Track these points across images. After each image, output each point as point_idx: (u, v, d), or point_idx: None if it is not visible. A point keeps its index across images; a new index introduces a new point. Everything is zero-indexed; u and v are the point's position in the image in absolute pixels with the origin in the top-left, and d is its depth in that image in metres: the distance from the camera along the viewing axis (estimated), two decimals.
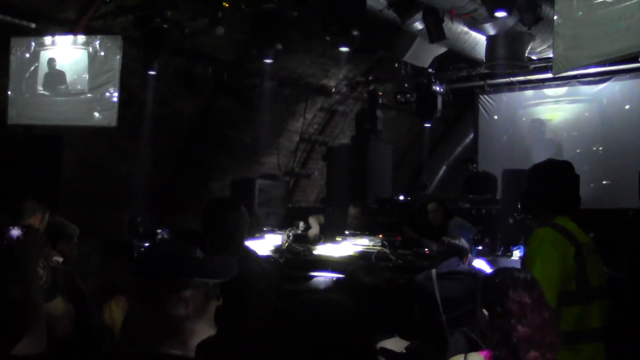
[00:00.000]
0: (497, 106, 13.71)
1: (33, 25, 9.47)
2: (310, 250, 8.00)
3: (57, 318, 3.75)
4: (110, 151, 11.24)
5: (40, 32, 9.65)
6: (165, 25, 9.56)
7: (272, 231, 9.02)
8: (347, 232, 8.44)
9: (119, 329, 3.82)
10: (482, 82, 13.42)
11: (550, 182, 3.95)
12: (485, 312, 2.89)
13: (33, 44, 9.66)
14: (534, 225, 3.93)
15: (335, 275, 6.94)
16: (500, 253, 7.67)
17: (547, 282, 3.46)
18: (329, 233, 8.49)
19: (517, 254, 7.04)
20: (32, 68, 9.65)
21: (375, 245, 7.87)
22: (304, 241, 8.42)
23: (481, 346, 3.00)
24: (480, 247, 7.65)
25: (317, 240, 8.35)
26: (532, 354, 2.74)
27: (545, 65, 10.95)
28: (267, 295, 3.78)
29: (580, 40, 5.51)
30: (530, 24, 8.88)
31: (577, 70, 11.44)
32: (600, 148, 12.25)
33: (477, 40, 10.54)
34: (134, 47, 10.01)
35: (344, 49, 9.65)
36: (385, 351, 2.57)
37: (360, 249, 7.89)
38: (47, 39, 9.71)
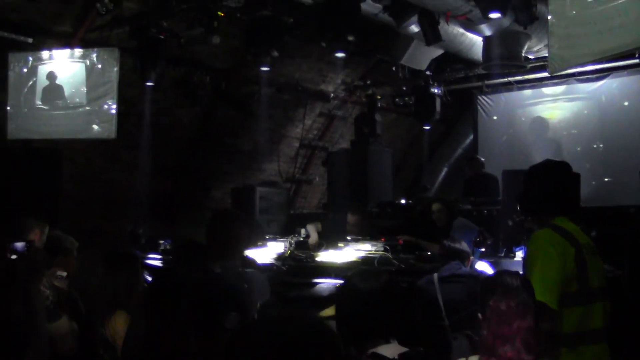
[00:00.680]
0: (496, 106, 13.70)
1: (30, 40, 9.50)
2: (312, 257, 7.98)
3: (62, 337, 3.74)
4: (110, 162, 11.26)
5: (37, 47, 9.69)
6: (161, 36, 9.59)
7: (274, 239, 9.00)
8: (349, 238, 8.43)
9: (120, 345, 3.81)
10: (479, 83, 13.43)
11: (547, 183, 3.95)
12: (479, 315, 2.92)
13: (30, 58, 9.70)
14: (534, 227, 3.93)
15: (339, 282, 6.92)
16: (502, 254, 7.66)
17: (547, 284, 3.49)
18: (331, 239, 8.47)
19: (519, 254, 7.02)
20: (30, 83, 9.69)
21: (377, 250, 7.85)
22: (306, 248, 8.40)
23: None
24: (482, 249, 7.64)
25: (319, 247, 8.33)
26: None
27: (542, 64, 10.91)
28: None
29: (574, 39, 5.49)
30: (525, 23, 8.88)
31: (575, 68, 11.45)
32: (601, 145, 12.23)
33: (474, 42, 10.54)
34: (131, 58, 10.03)
35: (339, 55, 9.64)
36: (377, 356, 2.56)
37: (362, 254, 7.87)
38: (45, 54, 9.75)
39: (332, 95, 13.77)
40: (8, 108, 9.65)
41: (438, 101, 12.43)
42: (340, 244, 8.21)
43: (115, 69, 9.60)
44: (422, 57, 11.20)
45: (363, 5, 8.60)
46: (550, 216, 3.84)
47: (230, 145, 12.69)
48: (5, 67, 9.60)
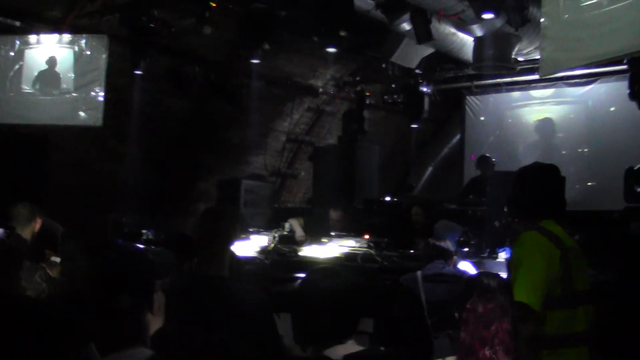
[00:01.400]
0: (484, 107, 13.74)
1: (18, 24, 9.40)
2: (296, 252, 7.97)
3: None
4: (98, 151, 11.17)
5: (25, 31, 9.58)
6: (152, 25, 9.52)
7: (257, 232, 8.99)
8: (333, 234, 8.43)
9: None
10: (469, 83, 13.43)
11: (536, 186, 3.95)
12: (456, 316, 2.92)
13: (18, 42, 9.58)
14: (520, 229, 3.93)
15: None
16: (486, 255, 7.69)
17: (532, 286, 3.49)
18: (314, 234, 8.47)
19: (502, 255, 7.05)
20: (17, 66, 9.57)
21: (361, 247, 7.87)
22: (290, 242, 8.39)
23: None
24: (466, 249, 7.66)
25: (303, 242, 8.32)
26: None
27: (532, 66, 10.96)
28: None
29: (567, 43, 5.50)
30: (517, 25, 8.88)
31: (564, 72, 11.48)
32: (586, 150, 12.30)
33: (465, 42, 10.54)
34: (121, 46, 9.95)
35: (331, 50, 9.62)
36: (322, 357, 2.53)
37: (346, 250, 7.88)
38: (32, 38, 9.64)
39: (321, 90, 13.74)
40: None
41: (427, 100, 12.42)
42: (324, 240, 8.21)
43: (104, 56, 9.52)
44: (413, 55, 11.19)
45: (356, 1, 8.58)
46: (537, 219, 3.83)
47: (219, 138, 12.63)
48: None
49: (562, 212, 3.97)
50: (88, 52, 9.55)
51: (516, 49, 10.38)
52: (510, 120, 13.47)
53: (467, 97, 13.81)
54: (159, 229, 9.45)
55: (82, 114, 9.63)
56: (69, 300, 4.11)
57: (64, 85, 9.61)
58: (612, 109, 11.97)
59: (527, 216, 3.93)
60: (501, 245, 7.26)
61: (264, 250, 8.00)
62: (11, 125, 9.66)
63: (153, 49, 9.81)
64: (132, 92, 10.61)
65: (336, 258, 7.65)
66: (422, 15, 9.10)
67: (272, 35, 9.46)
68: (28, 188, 8.21)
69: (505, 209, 4.25)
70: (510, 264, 3.78)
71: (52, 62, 9.62)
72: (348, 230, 8.71)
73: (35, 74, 9.62)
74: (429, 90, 12.46)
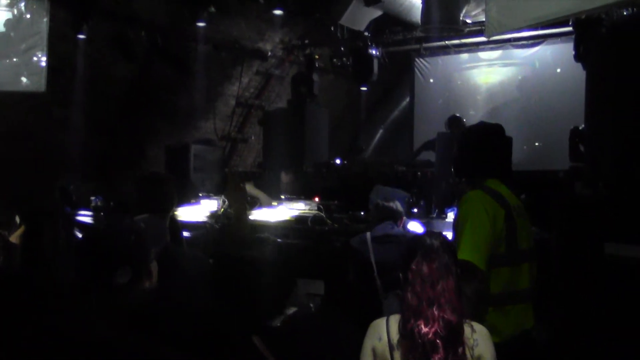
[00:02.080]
0: (433, 69, 13.78)
1: None
2: None
3: None
4: (41, 118, 10.90)
5: None
6: None
7: (207, 197, 8.93)
8: (283, 197, 8.42)
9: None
10: (417, 46, 13.43)
11: (481, 145, 3.94)
12: (401, 276, 2.94)
13: None
14: (466, 188, 3.94)
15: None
16: (434, 215, 7.77)
17: (476, 245, 3.52)
18: (264, 198, 8.43)
19: (451, 216, 7.12)
20: None
21: (311, 210, 7.87)
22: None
23: None
24: (415, 210, 7.73)
25: (253, 205, 8.29)
26: (414, 323, 2.77)
27: (479, 28, 11.01)
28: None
29: (512, 3, 5.48)
30: None
31: (511, 33, 11.58)
32: (533, 111, 12.42)
33: (413, 3, 10.53)
34: (63, 10, 9.69)
35: (277, 12, 9.50)
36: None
37: (296, 213, 7.88)
38: None
39: (269, 54, 13.61)
40: None
41: (376, 63, 12.37)
42: (274, 203, 8.19)
43: (45, 19, 9.29)
44: (361, 17, 11.13)
45: None
46: (482, 178, 3.86)
47: (166, 103, 12.44)
48: None
49: (508, 171, 3.99)
50: (28, 16, 9.29)
51: (464, 10, 10.41)
52: (459, 83, 13.53)
53: (416, 60, 13.83)
54: (108, 196, 9.35)
55: (24, 79, 9.41)
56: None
57: (3, 50, 9.33)
58: (558, 70, 12.10)
59: (472, 176, 3.94)
60: (449, 205, 7.33)
61: (213, 215, 7.93)
62: None
63: (96, 12, 9.56)
64: (75, 57, 10.38)
65: (286, 221, 7.65)
66: None
67: None
68: None
69: (452, 169, 4.23)
70: (455, 223, 3.80)
71: (8, 25, 9.34)
72: (298, 193, 8.71)
73: None
74: (377, 53, 12.41)
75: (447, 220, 7.17)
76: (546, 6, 5.23)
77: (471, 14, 10.77)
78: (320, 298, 6.33)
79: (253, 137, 14.43)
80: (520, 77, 12.80)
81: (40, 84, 9.39)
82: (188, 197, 8.80)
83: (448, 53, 13.42)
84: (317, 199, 8.44)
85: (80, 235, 5.06)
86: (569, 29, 10.18)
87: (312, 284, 6.49)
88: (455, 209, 5.57)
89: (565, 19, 9.18)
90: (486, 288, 3.57)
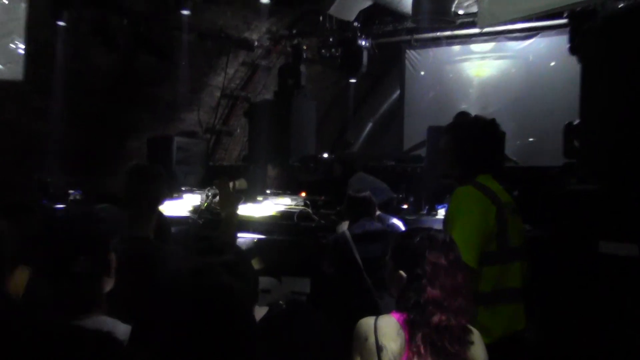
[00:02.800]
0: (424, 61, 13.59)
1: None
2: None
3: None
4: (20, 108, 10.70)
5: None
6: None
7: (190, 191, 8.74)
8: (268, 191, 8.23)
9: None
10: (408, 37, 13.22)
11: (473, 140, 3.86)
12: (403, 273, 2.83)
13: None
14: (456, 184, 3.84)
15: (256, 236, 6.75)
16: (425, 212, 7.58)
17: (467, 242, 3.44)
18: (250, 192, 8.23)
19: (442, 212, 6.94)
20: None
21: (297, 205, 7.71)
22: None
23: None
24: (405, 206, 7.55)
25: (237, 200, 8.07)
26: (438, 317, 2.69)
27: (472, 20, 10.88)
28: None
29: None
30: None
31: (504, 25, 11.40)
32: (526, 105, 12.25)
33: None
34: None
35: (264, 1, 9.30)
36: None
37: (282, 208, 7.72)
38: None
39: (256, 44, 13.39)
40: None
41: (365, 54, 12.16)
42: (259, 198, 8.02)
43: (23, 5, 9.02)
44: (351, 8, 10.96)
45: None
46: (473, 174, 3.78)
47: (149, 94, 12.25)
48: None
49: (500, 167, 3.99)
50: (5, 1, 9.01)
51: (456, 1, 10.28)
52: (451, 75, 13.35)
53: (407, 51, 13.64)
54: (87, 189, 9.14)
55: (0, 67, 9.13)
56: None
57: None
58: (552, 63, 11.94)
59: (464, 171, 3.85)
60: (440, 202, 7.16)
61: (196, 210, 7.73)
62: None
63: None
64: (55, 45, 10.17)
65: (271, 217, 7.46)
66: None
67: None
68: None
69: (442, 164, 4.07)
70: (445, 219, 3.76)
71: None
72: (284, 187, 8.51)
73: None
74: (367, 44, 12.20)
75: (437, 217, 6.98)
76: None
77: (463, 5, 10.62)
78: (305, 297, 6.12)
79: (239, 130, 14.23)
80: (513, 70, 12.61)
81: (18, 73, 9.15)
82: (170, 191, 8.58)
83: (439, 45, 13.22)
84: (303, 194, 8.27)
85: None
86: (564, 21, 10.02)
87: (298, 281, 6.27)
88: (447, 205, 5.33)
89: (560, 10, 9.03)
90: (476, 287, 3.48)
